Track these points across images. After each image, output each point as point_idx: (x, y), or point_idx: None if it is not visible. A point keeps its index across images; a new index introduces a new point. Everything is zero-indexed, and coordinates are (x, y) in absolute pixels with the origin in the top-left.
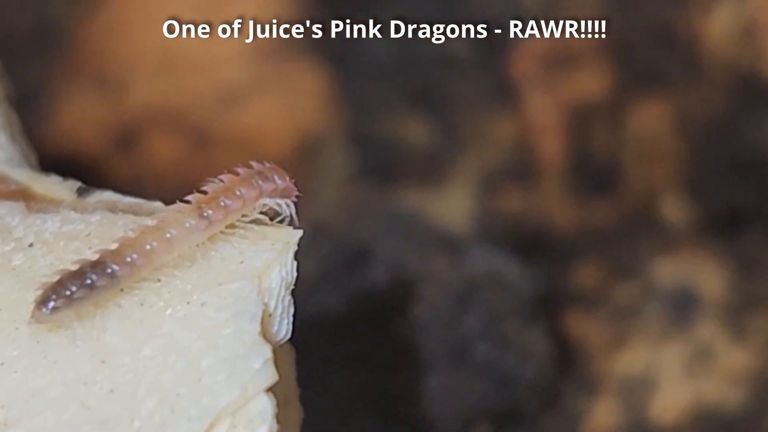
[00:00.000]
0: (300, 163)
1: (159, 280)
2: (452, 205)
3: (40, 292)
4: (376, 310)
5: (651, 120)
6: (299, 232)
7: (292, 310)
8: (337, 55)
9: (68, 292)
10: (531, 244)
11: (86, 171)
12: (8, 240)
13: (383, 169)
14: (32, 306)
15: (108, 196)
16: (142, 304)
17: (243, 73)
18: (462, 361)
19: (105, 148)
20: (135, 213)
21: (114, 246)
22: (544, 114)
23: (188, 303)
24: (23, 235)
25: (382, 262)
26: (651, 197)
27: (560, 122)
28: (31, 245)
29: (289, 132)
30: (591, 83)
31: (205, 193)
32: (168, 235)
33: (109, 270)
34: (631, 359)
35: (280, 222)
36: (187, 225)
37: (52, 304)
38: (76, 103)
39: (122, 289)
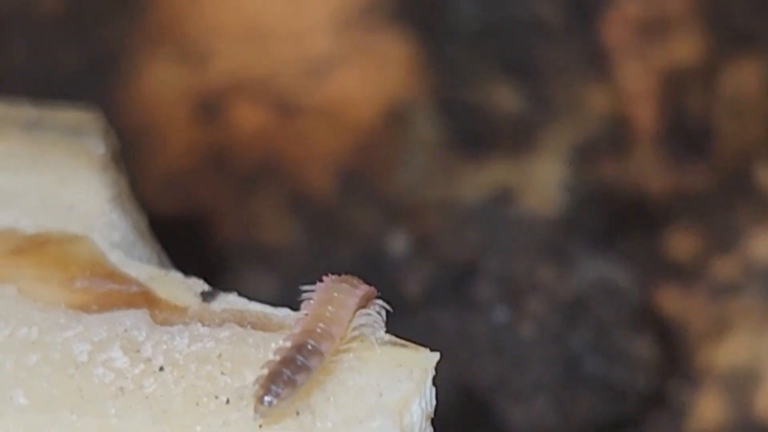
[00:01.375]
0: (387, 132)
1: (297, 414)
2: (543, 176)
3: (256, 387)
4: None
5: (744, 81)
6: (436, 356)
7: None
8: (424, 20)
9: (286, 377)
10: (626, 214)
11: (167, 139)
12: (137, 361)
13: (472, 137)
14: (254, 402)
15: (233, 300)
16: None
17: (329, 41)
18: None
19: (187, 116)
20: (264, 326)
21: (298, 329)
22: (637, 80)
23: None
24: (152, 354)
25: (469, 248)
26: (747, 160)
27: (654, 88)
28: (161, 369)
29: (376, 100)
30: (684, 47)
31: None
32: (336, 295)
33: (311, 347)
34: (734, 347)
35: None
36: (347, 287)
37: (274, 392)
38: (157, 70)
39: (260, 426)
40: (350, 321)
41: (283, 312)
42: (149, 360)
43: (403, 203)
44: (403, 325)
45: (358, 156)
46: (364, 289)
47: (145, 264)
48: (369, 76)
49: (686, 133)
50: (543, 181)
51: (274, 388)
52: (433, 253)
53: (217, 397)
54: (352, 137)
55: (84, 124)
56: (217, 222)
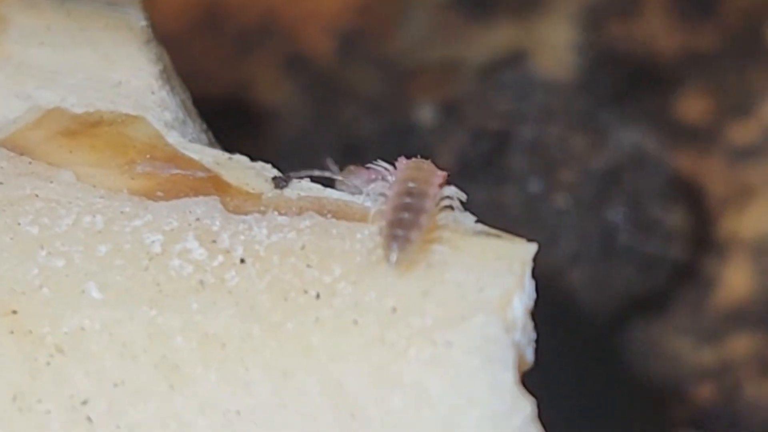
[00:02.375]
0: None
1: (394, 310)
2: (554, 38)
3: (382, 239)
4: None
5: None
6: (534, 247)
7: (533, 336)
8: None
9: (408, 220)
10: (637, 77)
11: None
12: (215, 252)
13: None
14: (384, 253)
15: (307, 187)
16: (382, 342)
17: None
18: None
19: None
20: (345, 215)
21: (394, 177)
22: None
23: (433, 343)
24: (229, 245)
25: (479, 109)
26: (757, 19)
27: None
28: (243, 261)
29: None
30: None
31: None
32: (418, 173)
33: (415, 189)
34: (759, 215)
35: None
36: (427, 166)
37: (403, 236)
38: None
39: (356, 322)
40: (435, 202)
41: (366, 203)
42: (228, 252)
43: (405, 65)
44: None
45: (358, 16)
46: (441, 172)
47: (204, 146)
48: None
49: None
50: (554, 42)
51: (401, 232)
52: (462, 121)
53: (306, 292)
54: None
55: None
56: (210, 86)
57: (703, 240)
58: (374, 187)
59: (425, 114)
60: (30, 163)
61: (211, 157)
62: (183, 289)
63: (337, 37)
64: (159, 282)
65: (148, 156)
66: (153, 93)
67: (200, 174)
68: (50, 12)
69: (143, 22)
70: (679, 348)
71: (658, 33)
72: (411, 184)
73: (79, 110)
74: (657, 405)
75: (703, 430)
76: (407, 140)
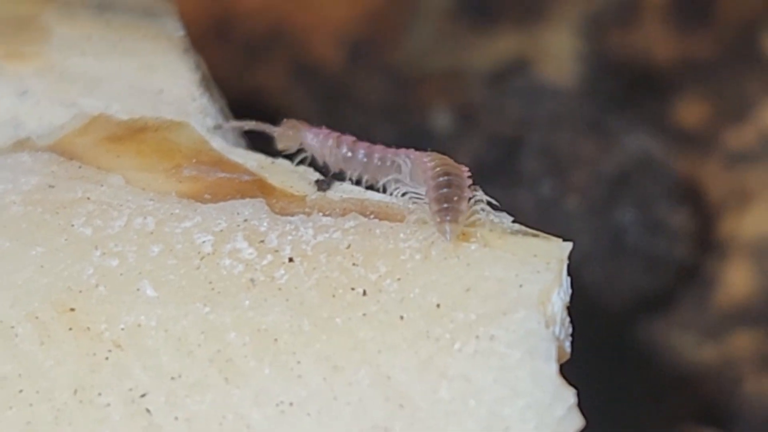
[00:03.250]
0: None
1: (438, 306)
2: (557, 46)
3: (433, 214)
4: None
5: None
6: (569, 245)
7: (570, 329)
8: None
9: (453, 194)
10: (636, 84)
11: None
12: (263, 251)
13: (481, 4)
14: (437, 226)
15: (349, 189)
16: (428, 336)
17: None
18: None
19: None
20: (387, 215)
21: (424, 166)
22: None
23: (477, 337)
24: (277, 245)
25: (491, 116)
26: (751, 28)
27: None
28: (291, 260)
29: None
30: None
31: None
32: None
33: (445, 167)
34: (759, 218)
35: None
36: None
37: (454, 209)
38: None
39: (402, 317)
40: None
41: (408, 204)
42: (276, 251)
43: (412, 74)
44: None
45: (365, 26)
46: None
47: (249, 150)
48: None
49: (691, 2)
50: (556, 51)
51: (448, 204)
52: (476, 127)
53: (353, 289)
54: (359, 5)
55: (156, 5)
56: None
57: (706, 241)
58: (395, 182)
59: (441, 120)
60: (80, 167)
61: (255, 161)
62: (235, 287)
63: (346, 46)
64: (211, 280)
65: (194, 160)
66: (194, 100)
67: (245, 177)
68: (90, 22)
69: (181, 32)
70: (683, 344)
71: (656, 41)
72: (443, 167)
73: (123, 116)
74: (661, 399)
75: (705, 424)
76: (422, 145)
